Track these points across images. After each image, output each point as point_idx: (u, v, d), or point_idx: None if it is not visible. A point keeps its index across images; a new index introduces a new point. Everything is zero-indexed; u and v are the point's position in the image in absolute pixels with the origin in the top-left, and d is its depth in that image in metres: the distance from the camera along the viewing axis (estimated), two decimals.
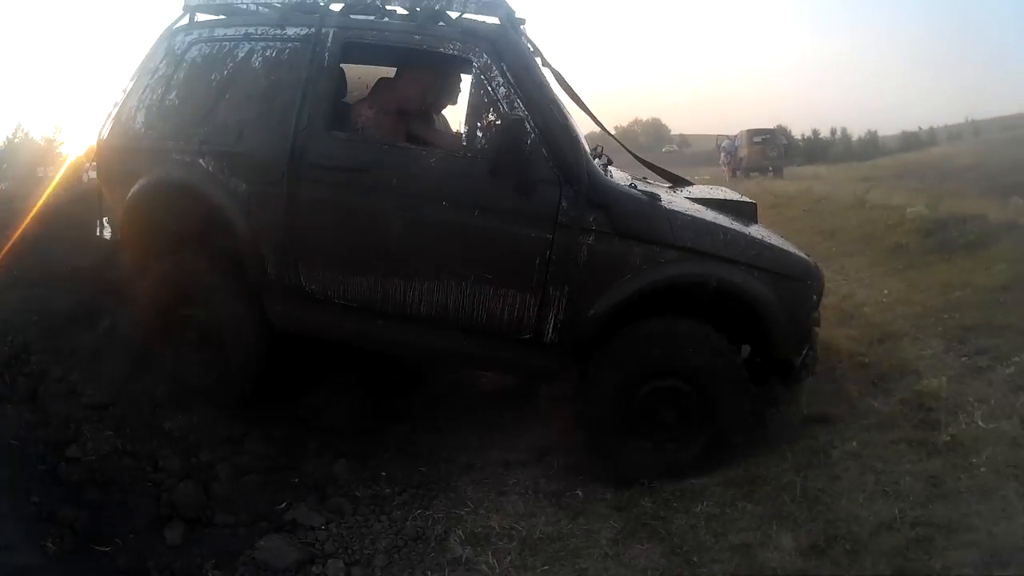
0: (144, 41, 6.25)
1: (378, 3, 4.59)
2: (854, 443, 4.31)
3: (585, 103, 5.19)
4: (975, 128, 56.89)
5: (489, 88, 4.27)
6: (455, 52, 4.40)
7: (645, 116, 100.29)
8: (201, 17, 5.03)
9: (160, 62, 4.96)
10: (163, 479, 4.31)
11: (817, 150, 56.08)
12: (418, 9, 4.47)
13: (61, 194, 7.22)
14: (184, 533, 3.99)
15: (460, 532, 4.06)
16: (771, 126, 38.89)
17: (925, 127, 62.26)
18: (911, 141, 55.34)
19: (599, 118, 5.47)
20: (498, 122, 4.21)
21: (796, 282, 4.41)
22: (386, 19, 4.59)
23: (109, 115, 5.09)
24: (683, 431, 4.38)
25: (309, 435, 4.99)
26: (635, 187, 4.44)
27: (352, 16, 4.64)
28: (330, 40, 4.50)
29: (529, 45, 4.71)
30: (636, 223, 4.21)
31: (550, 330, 4.29)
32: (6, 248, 5.79)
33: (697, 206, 4.64)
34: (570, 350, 4.38)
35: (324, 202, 4.47)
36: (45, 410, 4.65)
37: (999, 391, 4.59)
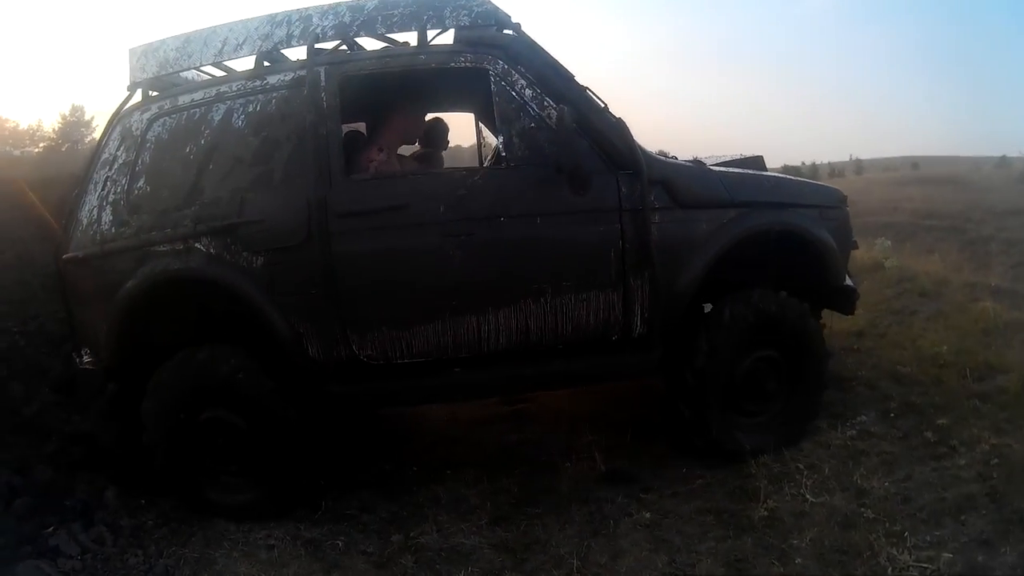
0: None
1: (351, 36, 4.19)
2: (649, 513, 3.85)
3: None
4: (858, 166, 59.01)
5: (514, 93, 4.02)
6: (468, 64, 4.09)
7: None
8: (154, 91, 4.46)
9: (117, 149, 4.29)
10: None
11: None
12: (390, 36, 4.26)
13: None
14: None
15: None
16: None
17: (809, 163, 64.19)
18: (792, 175, 56.95)
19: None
20: (532, 126, 4.00)
21: (836, 210, 4.62)
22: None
23: (65, 228, 4.35)
24: (780, 400, 4.36)
25: (85, 459, 4.63)
26: (676, 159, 4.39)
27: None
28: (324, 79, 4.04)
29: None
30: (696, 191, 4.11)
31: (638, 323, 4.09)
32: None
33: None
34: (659, 339, 4.17)
35: (365, 253, 3.95)
36: None
37: (836, 457, 4.07)
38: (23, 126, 56.70)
